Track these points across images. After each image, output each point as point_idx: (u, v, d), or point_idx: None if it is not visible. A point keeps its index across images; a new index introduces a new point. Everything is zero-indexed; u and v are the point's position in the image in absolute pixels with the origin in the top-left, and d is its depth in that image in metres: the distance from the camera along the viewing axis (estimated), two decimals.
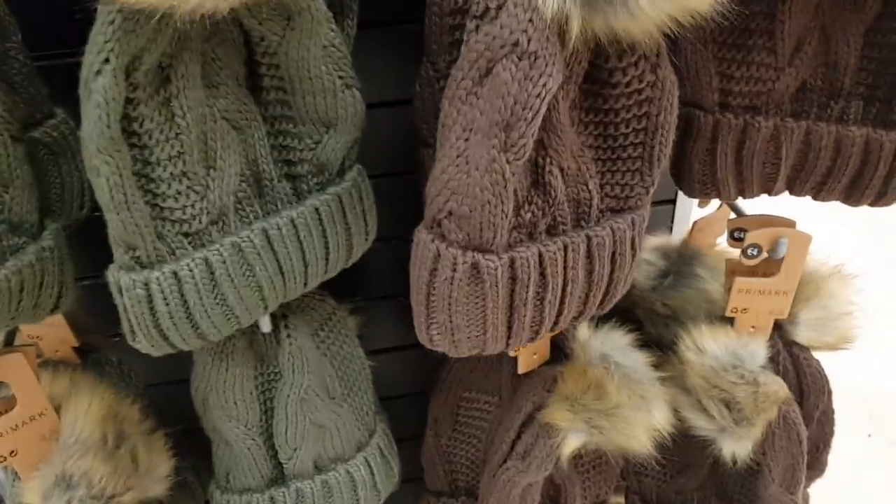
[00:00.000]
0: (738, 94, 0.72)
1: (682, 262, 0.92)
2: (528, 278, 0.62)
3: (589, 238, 0.65)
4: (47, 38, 0.71)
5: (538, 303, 0.64)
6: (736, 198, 0.78)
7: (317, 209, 0.66)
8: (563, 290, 0.64)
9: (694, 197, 0.79)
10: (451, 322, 0.62)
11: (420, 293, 0.62)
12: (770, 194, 0.78)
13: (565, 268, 0.64)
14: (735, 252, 0.86)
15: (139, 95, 0.55)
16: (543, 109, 0.55)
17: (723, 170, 0.75)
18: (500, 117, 0.54)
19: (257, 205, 0.65)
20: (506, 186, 0.57)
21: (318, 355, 0.79)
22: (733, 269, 0.85)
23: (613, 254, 0.66)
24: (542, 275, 0.63)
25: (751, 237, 0.80)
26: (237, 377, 0.75)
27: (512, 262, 0.61)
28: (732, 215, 0.90)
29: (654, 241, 0.95)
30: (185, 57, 0.56)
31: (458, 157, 0.57)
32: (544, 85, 0.54)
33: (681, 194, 1.06)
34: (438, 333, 0.63)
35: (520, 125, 0.54)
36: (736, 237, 0.84)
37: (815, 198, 0.78)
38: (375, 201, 0.73)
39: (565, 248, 0.63)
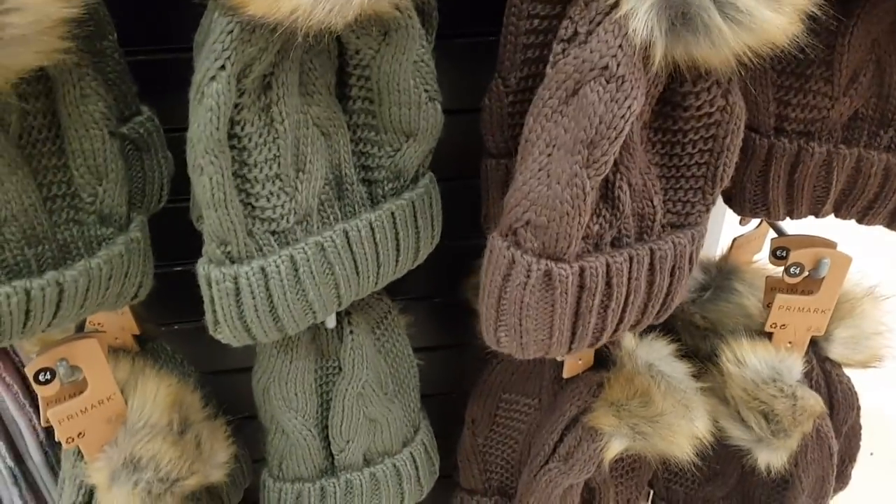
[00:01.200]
0: (794, 119, 0.75)
1: (721, 276, 0.96)
2: (596, 287, 0.65)
3: (653, 251, 0.68)
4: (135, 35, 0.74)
5: (602, 311, 0.67)
6: (784, 218, 0.82)
7: (392, 213, 0.69)
8: (626, 299, 0.68)
9: (744, 216, 0.83)
10: (520, 325, 0.65)
11: (491, 297, 0.65)
12: (817, 216, 0.81)
13: (629, 279, 0.67)
14: (773, 270, 0.90)
15: (244, 101, 0.58)
16: (627, 130, 0.58)
17: (774, 191, 0.78)
18: (584, 135, 0.57)
19: (337, 207, 0.68)
20: (585, 200, 0.60)
21: (375, 352, 0.82)
22: (774, 286, 0.89)
23: (673, 267, 0.70)
24: (609, 284, 0.66)
25: (795, 256, 0.83)
26: (299, 370, 0.78)
27: (582, 270, 0.64)
28: (771, 234, 0.93)
29: None
30: (286, 66, 0.60)
31: (540, 170, 0.60)
32: (629, 107, 0.57)
33: (715, 208, 1.09)
34: (506, 336, 0.66)
35: (603, 143, 0.58)
36: (778, 255, 0.87)
37: (860, 221, 0.81)
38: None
39: (631, 259, 0.67)
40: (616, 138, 0.58)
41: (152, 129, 0.71)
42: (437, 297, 1.08)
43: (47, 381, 0.71)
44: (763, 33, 0.56)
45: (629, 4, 0.55)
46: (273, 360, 0.78)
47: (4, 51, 0.49)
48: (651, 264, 0.68)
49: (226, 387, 0.90)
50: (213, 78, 0.54)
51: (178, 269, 0.82)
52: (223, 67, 0.54)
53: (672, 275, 0.70)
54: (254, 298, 0.63)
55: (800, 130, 0.76)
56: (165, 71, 0.77)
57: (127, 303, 0.70)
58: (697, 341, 0.95)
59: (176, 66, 0.69)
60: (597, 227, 0.66)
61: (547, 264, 0.62)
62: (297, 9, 0.50)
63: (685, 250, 0.69)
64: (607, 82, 0.56)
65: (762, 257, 0.98)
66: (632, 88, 0.57)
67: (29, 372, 0.70)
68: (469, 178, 0.78)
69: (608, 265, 0.65)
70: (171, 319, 0.99)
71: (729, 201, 0.83)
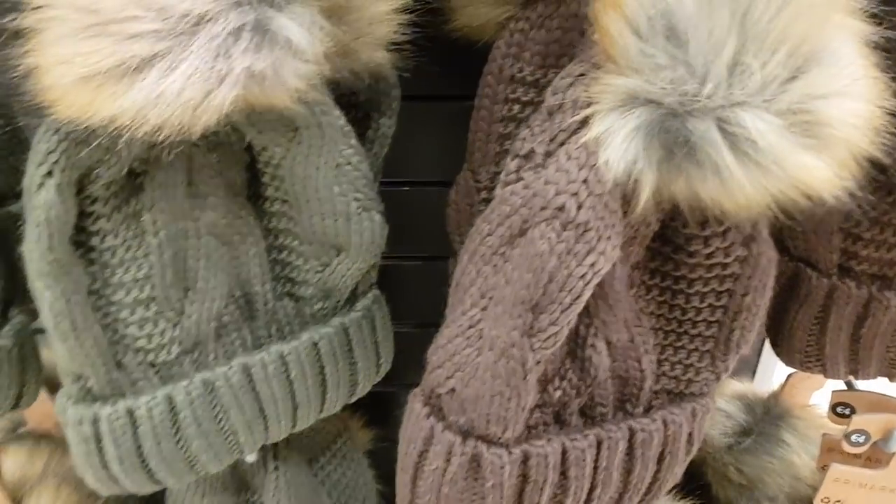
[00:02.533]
0: (865, 259, 0.57)
1: (767, 420, 0.77)
2: (545, 480, 0.49)
3: (633, 432, 0.51)
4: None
5: None
6: (845, 378, 0.62)
7: (315, 343, 0.55)
8: (590, 494, 0.51)
9: (793, 367, 0.64)
10: None
11: (406, 472, 0.50)
12: (892, 381, 0.62)
13: (596, 468, 0.50)
14: (833, 425, 0.71)
15: (99, 209, 0.46)
16: (587, 293, 0.42)
17: (834, 345, 0.59)
18: (528, 294, 0.42)
19: (247, 330, 0.54)
20: (525, 378, 0.44)
21: (315, 485, 0.68)
22: (831, 448, 0.70)
23: (662, 451, 0.52)
24: (564, 475, 0.50)
25: (858, 422, 0.65)
26: None
27: (525, 458, 0.48)
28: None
29: (736, 386, 0.80)
30: (164, 163, 0.47)
31: (469, 328, 0.45)
32: (592, 265, 0.41)
33: None
34: None
35: (553, 309, 0.42)
36: (839, 413, 0.68)
37: None
38: (406, 284, 0.62)
39: (599, 444, 0.50)
40: (571, 304, 0.42)
41: None
42: None
43: None
44: (797, 181, 0.39)
45: (603, 125, 0.39)
46: (184, 493, 0.65)
47: None
48: (630, 449, 0.51)
49: None
50: (40, 186, 0.42)
51: None
52: (50, 174, 0.42)
53: (660, 461, 0.53)
54: (118, 447, 0.50)
55: (872, 273, 0.57)
56: None
57: (3, 414, 0.59)
58: (731, 496, 0.76)
59: None
60: (559, 393, 0.50)
61: (476, 447, 0.46)
62: (119, 113, 0.37)
63: (681, 430, 0.52)
64: (563, 229, 0.40)
65: (824, 396, 0.78)
66: (598, 240, 0.41)
67: None
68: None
69: (565, 451, 0.49)
70: None
71: (775, 346, 0.64)
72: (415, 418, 0.49)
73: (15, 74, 0.37)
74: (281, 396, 0.55)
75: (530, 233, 0.42)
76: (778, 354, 0.64)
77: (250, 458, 0.64)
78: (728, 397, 0.78)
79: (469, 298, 0.45)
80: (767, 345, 0.89)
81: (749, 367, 0.91)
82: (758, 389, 0.80)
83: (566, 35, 0.52)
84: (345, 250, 0.53)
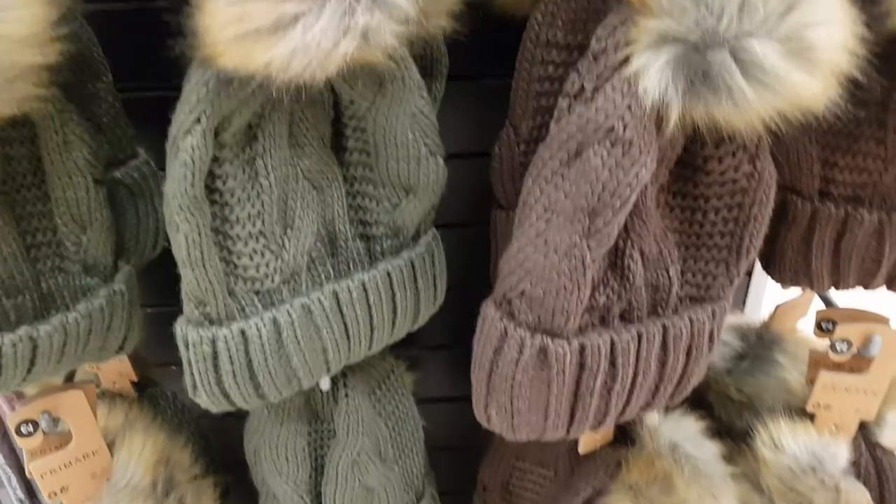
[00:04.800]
0: (841, 182, 0.68)
1: (760, 345, 0.88)
2: (598, 367, 0.59)
3: (665, 329, 0.61)
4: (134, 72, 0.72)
5: (605, 393, 0.61)
6: (829, 289, 0.74)
7: (389, 273, 0.64)
8: (633, 381, 0.61)
9: (783, 285, 0.75)
10: (511, 405, 0.59)
11: (482, 370, 0.60)
12: (867, 288, 0.73)
13: (637, 359, 0.60)
14: (819, 341, 0.82)
15: (225, 154, 0.54)
16: (633, 199, 0.52)
17: (818, 260, 0.70)
18: (586, 203, 0.52)
19: (329, 264, 0.64)
20: (584, 273, 0.54)
21: (374, 415, 0.77)
22: (818, 361, 0.81)
23: (690, 346, 0.63)
24: (613, 364, 0.60)
25: (841, 331, 0.75)
26: (291, 433, 0.74)
27: (582, 348, 0.58)
28: (818, 300, 0.85)
29: (732, 319, 0.91)
30: (273, 117, 0.56)
31: (536, 237, 0.55)
32: (636, 175, 0.51)
33: (757, 267, 1.01)
34: (497, 414, 0.61)
35: (606, 213, 0.52)
36: (824, 328, 0.79)
37: None
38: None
39: (639, 337, 0.60)
40: (621, 208, 0.52)
41: (148, 173, 0.69)
42: (453, 347, 1.04)
43: (29, 434, 0.68)
44: (793, 97, 0.50)
45: (640, 61, 0.50)
46: (263, 420, 0.74)
47: None
48: (664, 343, 0.61)
49: (231, 432, 0.86)
50: (187, 132, 0.51)
51: None
52: (198, 121, 0.51)
53: (688, 354, 0.63)
54: (232, 364, 0.59)
55: (848, 195, 0.68)
56: (167, 110, 0.75)
57: (111, 356, 0.68)
58: (732, 416, 0.87)
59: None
60: (604, 298, 0.60)
61: (543, 340, 0.56)
62: (271, 62, 0.46)
63: (704, 328, 0.62)
64: (613, 146, 0.51)
65: (808, 323, 0.89)
66: (640, 154, 0.51)
67: (10, 424, 0.67)
68: (486, 223, 0.74)
69: (613, 343, 0.59)
70: (178, 360, 0.96)
71: (768, 268, 0.75)
72: (489, 321, 0.58)
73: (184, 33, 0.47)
74: (362, 319, 0.64)
75: (585, 152, 0.52)
76: (770, 274, 0.75)
77: (324, 385, 0.73)
78: (725, 329, 0.89)
79: (534, 213, 0.55)
80: (755, 278, 1.01)
81: (739, 300, 1.02)
82: (750, 320, 0.91)
83: (591, 4, 0.62)
84: (413, 191, 0.63)
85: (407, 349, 0.84)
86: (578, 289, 0.55)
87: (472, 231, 0.81)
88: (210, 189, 0.55)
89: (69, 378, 0.77)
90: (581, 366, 0.58)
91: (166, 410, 0.85)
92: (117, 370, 0.82)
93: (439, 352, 1.03)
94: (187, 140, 0.51)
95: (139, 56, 0.71)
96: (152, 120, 0.65)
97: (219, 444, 0.89)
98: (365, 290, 0.63)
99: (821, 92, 0.50)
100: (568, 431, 0.62)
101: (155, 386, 0.86)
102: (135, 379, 0.83)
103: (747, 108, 0.50)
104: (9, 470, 0.84)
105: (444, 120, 0.67)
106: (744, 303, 1.02)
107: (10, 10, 0.46)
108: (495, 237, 0.73)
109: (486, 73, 0.80)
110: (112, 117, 0.65)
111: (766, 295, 0.93)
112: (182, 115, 0.51)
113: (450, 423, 1.03)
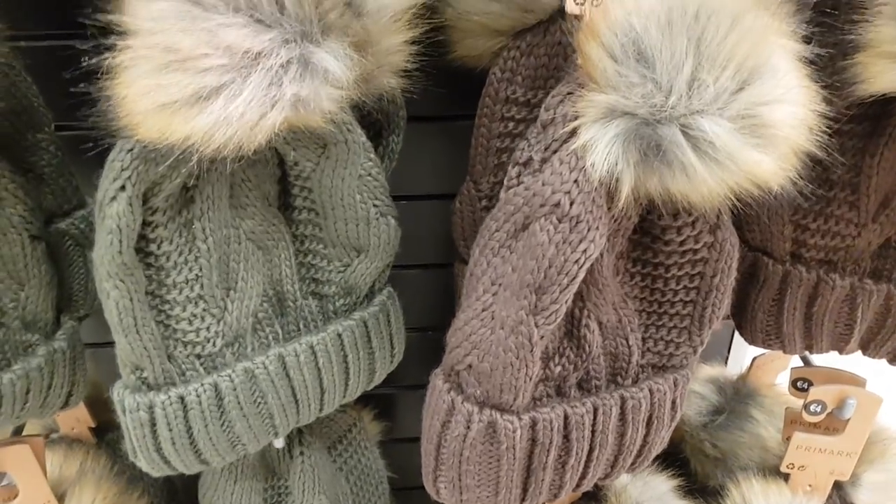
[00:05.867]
0: (813, 246, 0.65)
1: (737, 400, 0.85)
2: (551, 442, 0.56)
3: (623, 399, 0.59)
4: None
5: (559, 467, 0.58)
6: (802, 353, 0.71)
7: (339, 335, 0.62)
8: (589, 454, 0.59)
9: (756, 346, 0.72)
10: (459, 480, 0.57)
11: (430, 443, 0.58)
12: (841, 353, 0.70)
13: (594, 432, 0.58)
14: (796, 400, 0.79)
15: (157, 219, 0.52)
16: (581, 275, 0.50)
17: (790, 324, 0.68)
18: (532, 279, 0.49)
19: (278, 325, 0.61)
20: (532, 350, 0.52)
21: (334, 471, 0.75)
22: (794, 419, 0.78)
23: (650, 417, 0.60)
24: (567, 438, 0.57)
25: (815, 393, 0.73)
26: (245, 490, 0.72)
27: (534, 423, 0.56)
28: (797, 358, 0.82)
29: (709, 371, 0.88)
30: (212, 178, 0.54)
31: (483, 310, 0.53)
32: (584, 251, 0.49)
33: None
34: (446, 488, 0.59)
35: (553, 290, 0.50)
36: (799, 387, 0.77)
37: (891, 362, 0.70)
38: (405, 291, 0.69)
39: (595, 410, 0.58)
40: (568, 285, 0.50)
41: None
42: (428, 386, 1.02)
43: None
44: (748, 174, 0.47)
45: (588, 134, 0.47)
46: (217, 477, 0.72)
47: None
48: (622, 414, 0.59)
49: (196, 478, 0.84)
50: (112, 199, 0.49)
51: None
52: (123, 188, 0.49)
53: (648, 425, 0.60)
54: (170, 430, 0.57)
55: (820, 259, 0.66)
56: None
57: (54, 412, 0.66)
58: (708, 471, 0.84)
59: None
60: (559, 368, 0.58)
61: (491, 415, 0.54)
62: (191, 134, 0.44)
63: (665, 398, 0.60)
64: (559, 221, 0.48)
65: (787, 377, 0.86)
66: (588, 230, 0.49)
67: None
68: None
69: (566, 417, 0.56)
70: None
71: (740, 329, 0.73)
72: (437, 394, 0.56)
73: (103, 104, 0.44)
74: (311, 382, 0.62)
75: (531, 227, 0.49)
76: (742, 335, 0.73)
77: (278, 444, 0.70)
78: (701, 381, 0.87)
79: (481, 286, 0.52)
80: (738, 334, 0.98)
81: (721, 355, 0.99)
82: (727, 372, 0.89)
83: (552, 60, 0.60)
84: (364, 251, 0.61)
85: (381, 389, 0.82)
86: (526, 365, 0.52)
87: (446, 271, 0.78)
88: (144, 253, 0.53)
89: (17, 430, 0.75)
90: (533, 440, 0.56)
91: (126, 456, 0.83)
92: (74, 416, 0.80)
93: (415, 392, 1.01)
94: (112, 207, 0.49)
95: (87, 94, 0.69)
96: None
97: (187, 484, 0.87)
98: (314, 352, 0.61)
99: (776, 170, 0.48)
100: None
101: (116, 431, 0.84)
102: (92, 425, 0.81)
103: (701, 183, 0.48)
104: None
105: (412, 161, 0.64)
106: (727, 354, 0.99)
107: None
108: (458, 291, 0.71)
109: (454, 115, 0.78)
110: (54, 168, 0.63)
111: (750, 348, 0.90)
112: (107, 182, 0.49)
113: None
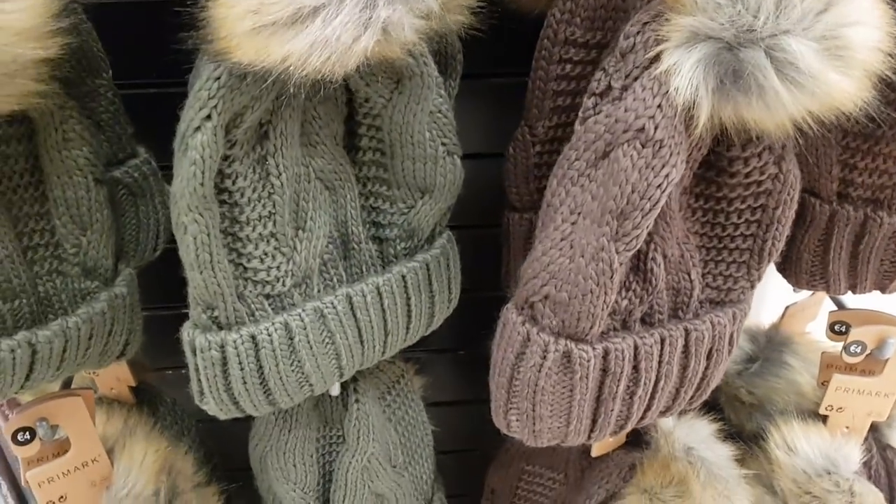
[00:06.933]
0: (861, 185, 0.67)
1: (771, 348, 0.87)
2: (621, 371, 0.57)
3: (687, 332, 0.60)
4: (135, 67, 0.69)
5: (627, 397, 0.59)
6: (845, 293, 0.73)
7: (403, 276, 0.62)
8: (656, 385, 0.60)
9: (800, 288, 0.74)
10: (533, 411, 0.58)
11: (502, 376, 0.58)
12: (884, 292, 0.72)
13: (660, 362, 0.59)
14: (830, 344, 0.81)
15: (236, 153, 0.52)
16: (663, 201, 0.51)
17: (835, 263, 0.69)
18: (614, 205, 0.50)
19: (342, 267, 0.62)
20: (612, 277, 0.52)
21: (384, 420, 0.75)
22: (830, 363, 0.80)
23: (711, 350, 0.62)
24: (636, 368, 0.58)
25: (856, 334, 0.74)
26: (299, 439, 0.72)
27: (606, 353, 0.56)
28: (828, 301, 0.84)
29: None
30: (285, 114, 0.54)
31: (562, 240, 0.53)
32: (667, 176, 0.50)
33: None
34: (517, 420, 0.59)
35: (635, 215, 0.50)
36: (837, 331, 0.78)
37: None
38: None
39: (662, 341, 0.59)
40: (650, 210, 0.50)
41: (149, 172, 0.67)
42: (461, 350, 1.02)
43: (26, 442, 0.66)
44: (827, 98, 0.48)
45: (672, 59, 0.48)
46: (271, 427, 0.71)
47: None
48: (685, 346, 0.60)
49: (232, 438, 0.84)
50: (197, 129, 0.49)
51: (185, 311, 0.77)
52: (209, 117, 0.48)
53: (709, 358, 0.62)
54: (242, 369, 0.57)
55: (867, 197, 0.67)
56: (170, 107, 0.73)
57: (112, 361, 0.65)
58: (742, 418, 0.86)
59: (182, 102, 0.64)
60: (625, 301, 0.58)
61: (566, 345, 0.55)
62: (288, 56, 0.44)
63: (725, 331, 0.61)
64: (643, 146, 0.49)
65: (818, 325, 0.88)
66: (670, 155, 0.49)
67: (6, 432, 0.65)
68: (497, 225, 0.72)
69: (636, 347, 0.57)
70: (175, 364, 0.94)
71: (783, 270, 0.74)
72: (511, 326, 0.56)
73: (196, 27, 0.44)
74: (377, 323, 0.62)
75: (614, 153, 0.50)
76: (785, 277, 0.74)
77: (334, 391, 0.70)
78: None
79: (560, 215, 0.53)
80: (768, 280, 0.99)
81: None
82: (759, 321, 0.90)
83: (611, 1, 0.61)
84: (429, 192, 0.61)
85: (413, 352, 0.82)
86: (605, 293, 0.53)
87: (480, 234, 0.79)
88: (219, 189, 0.53)
89: (66, 384, 0.74)
90: (604, 371, 0.57)
91: (166, 417, 0.82)
92: (115, 375, 0.79)
93: (446, 355, 1.01)
94: (197, 137, 0.48)
95: (141, 51, 0.69)
96: (154, 117, 0.63)
97: (219, 451, 0.87)
98: (379, 293, 0.61)
99: (854, 92, 0.49)
100: (589, 437, 0.60)
101: (154, 392, 0.83)
102: (133, 384, 0.80)
103: (779, 108, 0.49)
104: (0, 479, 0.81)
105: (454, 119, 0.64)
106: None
107: (9, 2, 0.44)
108: (507, 240, 0.72)
109: (497, 72, 0.78)
110: (112, 115, 0.62)
111: (768, 301, 0.92)
112: (192, 112, 0.48)
113: (456, 426, 1.01)
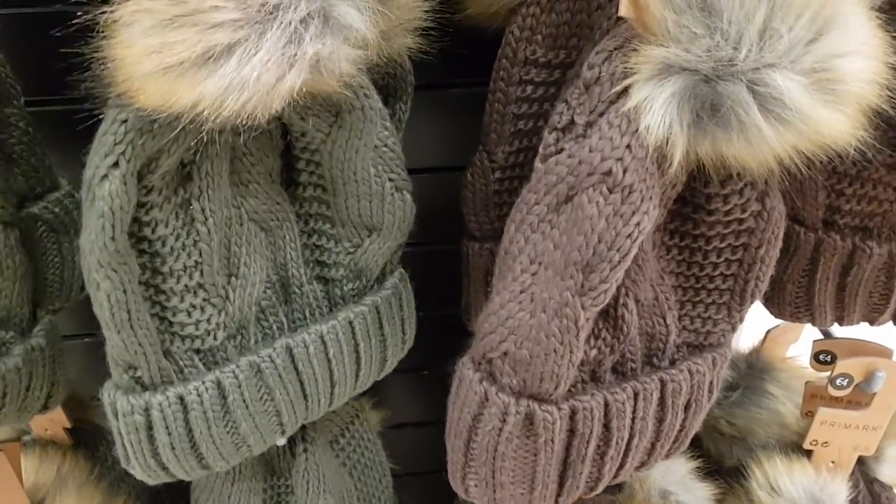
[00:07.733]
0: (848, 212, 0.62)
1: (752, 375, 0.82)
2: (591, 431, 0.52)
3: (663, 383, 0.55)
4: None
5: (598, 457, 0.54)
6: (831, 325, 0.68)
7: (350, 323, 0.57)
8: (629, 443, 0.55)
9: (782, 319, 0.69)
10: (493, 478, 0.52)
11: (459, 438, 0.53)
12: (872, 325, 0.68)
13: (633, 419, 0.54)
14: (813, 372, 0.76)
15: (153, 199, 0.46)
16: (634, 251, 0.45)
17: (821, 295, 0.65)
18: (579, 256, 0.45)
19: (282, 313, 0.56)
20: (577, 335, 0.47)
21: (337, 466, 0.70)
22: (815, 394, 0.75)
23: (689, 401, 0.57)
24: (607, 427, 0.53)
25: (842, 367, 0.70)
26: (243, 492, 0.66)
27: (573, 412, 0.51)
28: (816, 331, 0.80)
29: None
30: (211, 152, 0.48)
31: (521, 292, 0.48)
32: (637, 224, 0.44)
33: None
34: (476, 486, 0.54)
35: (603, 268, 0.45)
36: (821, 360, 0.74)
37: None
38: (408, 272, 0.64)
39: (636, 395, 0.54)
40: (620, 262, 0.45)
41: (72, 206, 0.61)
42: (425, 370, 0.97)
43: None
44: (816, 135, 0.43)
45: (642, 93, 0.43)
46: (212, 479, 0.66)
47: None
48: (661, 399, 0.55)
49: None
50: (104, 177, 0.43)
51: None
52: (116, 164, 0.42)
53: (687, 409, 0.57)
54: (170, 434, 0.51)
55: (855, 225, 0.62)
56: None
57: (32, 417, 0.59)
58: (723, 451, 0.81)
59: None
60: (594, 351, 0.53)
61: (529, 406, 0.49)
62: (200, 100, 0.39)
63: (704, 380, 0.56)
64: (610, 192, 0.44)
65: (801, 347, 0.84)
66: (641, 200, 0.44)
67: None
68: (454, 241, 0.68)
69: (607, 404, 0.52)
70: None
71: (766, 302, 0.69)
72: (467, 384, 0.51)
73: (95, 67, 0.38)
74: (321, 375, 0.56)
75: (577, 198, 0.45)
76: (768, 309, 0.69)
77: (280, 441, 0.65)
78: None
79: (519, 265, 0.48)
80: None
81: None
82: (738, 346, 0.86)
83: (574, 17, 0.55)
84: (377, 230, 0.55)
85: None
86: (571, 351, 0.48)
87: (441, 250, 0.74)
88: (137, 238, 0.47)
89: None
90: (572, 431, 0.52)
91: (106, 458, 0.76)
92: (48, 416, 0.73)
93: (408, 375, 0.96)
94: (105, 186, 0.43)
95: (61, 65, 0.62)
96: (81, 139, 0.56)
97: (169, 492, 0.81)
98: (323, 342, 0.56)
99: (847, 129, 0.44)
100: (556, 501, 0.55)
101: (92, 430, 0.77)
102: (68, 426, 0.74)
103: (762, 146, 0.44)
104: None
105: (410, 132, 0.59)
106: None
107: None
108: (467, 271, 0.67)
109: (454, 83, 0.72)
110: (25, 146, 0.56)
111: (753, 318, 0.87)
112: (97, 158, 0.42)
113: (420, 448, 0.97)
